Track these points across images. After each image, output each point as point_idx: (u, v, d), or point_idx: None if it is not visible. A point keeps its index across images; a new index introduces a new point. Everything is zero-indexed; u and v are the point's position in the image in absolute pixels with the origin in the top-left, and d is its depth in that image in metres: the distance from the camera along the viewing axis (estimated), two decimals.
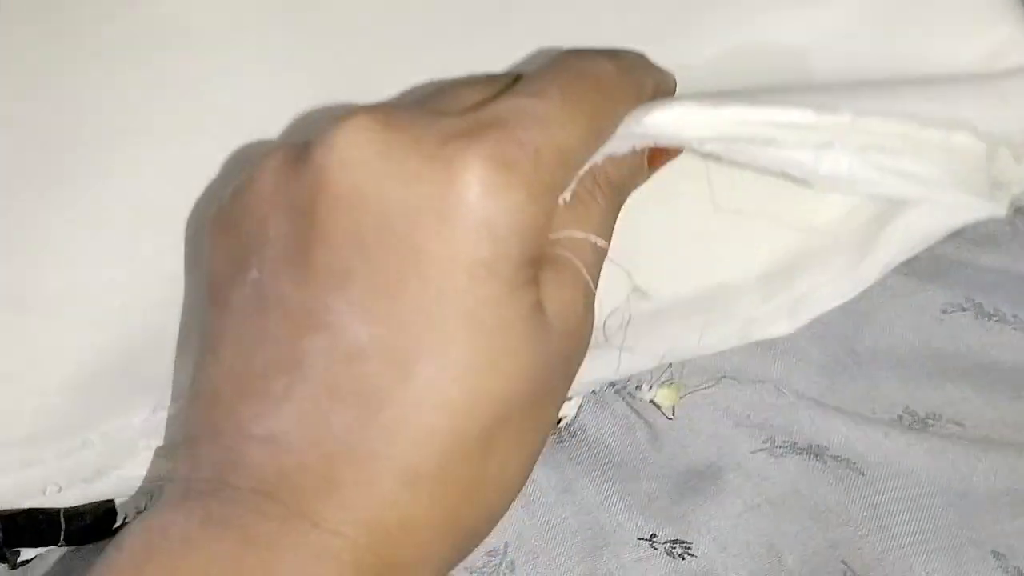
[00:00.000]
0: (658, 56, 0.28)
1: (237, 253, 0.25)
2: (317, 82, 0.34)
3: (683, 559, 0.32)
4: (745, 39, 0.32)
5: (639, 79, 0.26)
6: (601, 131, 0.25)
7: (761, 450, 0.33)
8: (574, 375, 0.26)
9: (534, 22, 0.33)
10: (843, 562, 0.31)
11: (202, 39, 0.34)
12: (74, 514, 0.32)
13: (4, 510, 0.32)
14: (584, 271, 0.25)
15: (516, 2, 0.33)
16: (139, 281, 0.32)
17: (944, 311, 0.34)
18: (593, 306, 0.26)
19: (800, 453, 0.32)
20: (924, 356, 0.33)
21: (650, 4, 0.33)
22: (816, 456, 0.32)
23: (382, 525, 0.23)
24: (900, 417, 0.33)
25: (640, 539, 0.32)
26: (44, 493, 0.31)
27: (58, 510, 0.32)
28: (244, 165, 0.27)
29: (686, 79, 0.29)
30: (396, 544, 0.23)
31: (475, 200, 0.22)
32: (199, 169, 0.33)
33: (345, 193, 0.23)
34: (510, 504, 0.25)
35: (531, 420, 0.24)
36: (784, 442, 0.33)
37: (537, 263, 0.24)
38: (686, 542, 0.32)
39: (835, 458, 0.32)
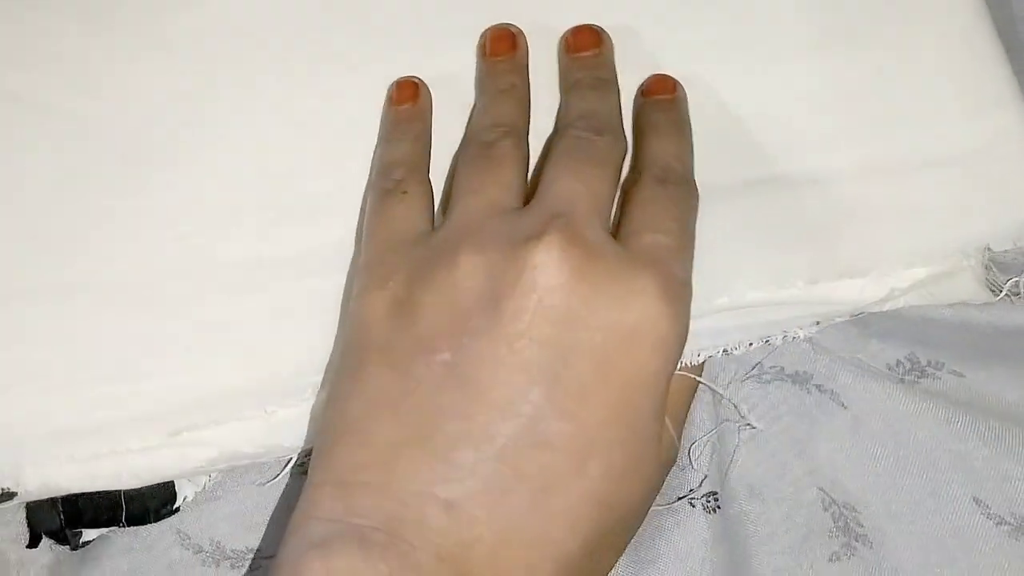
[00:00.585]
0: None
1: (423, 333, 0.27)
2: (371, 81, 0.35)
3: (714, 512, 0.34)
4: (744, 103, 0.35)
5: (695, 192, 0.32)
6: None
7: (750, 377, 0.35)
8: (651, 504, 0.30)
9: None
10: (820, 488, 0.33)
11: (259, 38, 0.35)
12: (134, 495, 0.34)
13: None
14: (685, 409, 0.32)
15: None
16: (199, 272, 0.34)
17: None
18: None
19: (785, 380, 0.34)
20: (935, 317, 0.35)
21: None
22: (800, 384, 0.34)
23: None
24: (899, 363, 0.34)
25: (680, 497, 0.34)
26: (119, 480, 0.33)
27: (119, 491, 0.34)
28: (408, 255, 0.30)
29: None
30: None
31: (657, 324, 0.27)
32: (259, 164, 0.34)
33: (554, 309, 0.26)
34: None
35: (633, 529, 0.29)
36: (772, 367, 0.34)
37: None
38: (715, 493, 0.34)
39: (818, 387, 0.34)
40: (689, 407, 0.32)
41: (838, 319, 0.34)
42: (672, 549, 0.33)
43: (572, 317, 0.26)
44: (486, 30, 0.35)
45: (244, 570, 0.34)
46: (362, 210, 0.34)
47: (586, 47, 0.34)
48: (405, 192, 0.32)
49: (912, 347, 0.34)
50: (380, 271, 0.30)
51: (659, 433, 0.28)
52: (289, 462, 0.34)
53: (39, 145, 0.35)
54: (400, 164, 0.33)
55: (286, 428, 0.33)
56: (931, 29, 0.35)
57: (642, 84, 0.34)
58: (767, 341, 0.34)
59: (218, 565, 0.34)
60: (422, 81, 0.35)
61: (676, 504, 0.33)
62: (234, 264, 0.34)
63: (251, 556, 0.34)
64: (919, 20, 0.35)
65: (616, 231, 0.30)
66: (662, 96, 0.34)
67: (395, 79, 0.35)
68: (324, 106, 0.35)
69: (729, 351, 0.34)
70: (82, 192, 0.34)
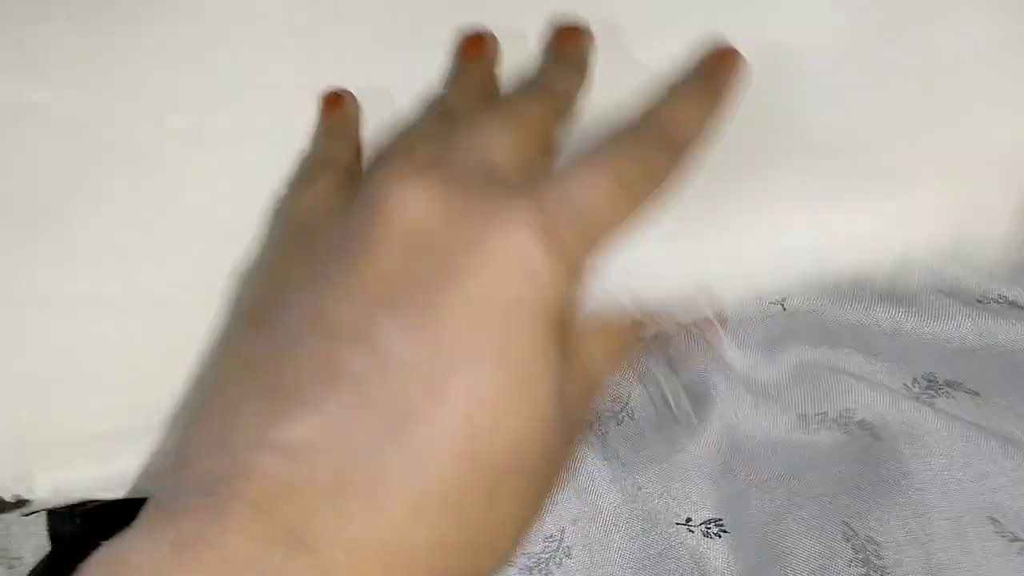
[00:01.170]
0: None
1: (278, 289, 0.26)
2: (361, 91, 0.35)
3: (719, 536, 0.33)
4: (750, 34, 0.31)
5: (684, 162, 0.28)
6: (641, 211, 0.27)
7: (797, 428, 0.34)
8: (569, 455, 0.26)
9: None
10: (844, 522, 0.32)
11: (246, 43, 0.36)
12: None
13: (86, 502, 0.34)
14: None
15: None
16: (202, 283, 0.34)
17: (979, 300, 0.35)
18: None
19: (830, 427, 0.33)
20: (954, 337, 0.34)
21: None
22: (843, 427, 0.33)
23: (378, 547, 0.22)
24: (915, 381, 0.33)
25: (678, 524, 0.34)
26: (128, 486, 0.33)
27: (141, 502, 0.34)
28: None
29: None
30: (387, 570, 0.22)
31: (524, 247, 0.24)
32: (245, 171, 0.35)
33: (404, 226, 0.24)
34: (500, 562, 0.25)
35: (535, 477, 0.25)
36: (817, 415, 0.34)
37: (566, 328, 0.25)
38: (719, 520, 0.33)
39: (860, 423, 0.33)
40: (631, 350, 0.28)
41: (844, 266, 0.28)
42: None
43: (424, 236, 0.24)
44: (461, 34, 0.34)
45: None
46: None
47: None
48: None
49: (932, 367, 0.33)
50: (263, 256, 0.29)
51: (551, 366, 0.24)
52: None
53: (37, 150, 0.35)
54: (320, 159, 0.33)
55: None
56: None
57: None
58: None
59: None
60: (349, 92, 0.35)
61: (671, 530, 0.33)
62: (217, 275, 0.34)
63: None
64: None
65: None
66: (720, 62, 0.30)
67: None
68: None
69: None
70: (82, 199, 0.35)
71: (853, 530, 0.32)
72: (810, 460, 0.33)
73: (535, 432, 0.24)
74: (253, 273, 0.29)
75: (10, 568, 0.35)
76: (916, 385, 0.33)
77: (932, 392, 0.33)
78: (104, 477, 0.33)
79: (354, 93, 0.35)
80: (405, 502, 0.22)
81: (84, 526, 0.34)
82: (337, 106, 0.35)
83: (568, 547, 0.34)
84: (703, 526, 0.33)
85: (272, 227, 0.31)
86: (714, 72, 0.30)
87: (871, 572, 0.31)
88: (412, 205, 0.25)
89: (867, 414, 0.33)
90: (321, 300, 0.24)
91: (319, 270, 0.25)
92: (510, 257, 0.24)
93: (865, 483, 0.32)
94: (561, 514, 0.34)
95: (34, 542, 0.36)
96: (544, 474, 0.25)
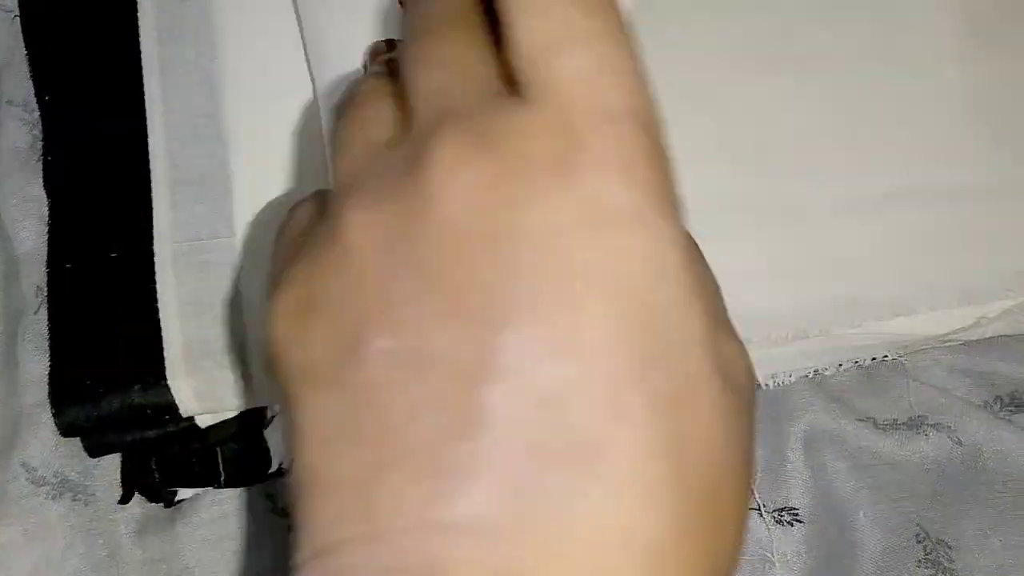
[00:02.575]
0: None
1: (339, 332, 0.20)
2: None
3: (791, 525, 0.34)
4: None
5: None
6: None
7: (864, 420, 0.35)
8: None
9: None
10: (917, 524, 0.33)
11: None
12: (231, 456, 0.35)
13: (167, 447, 0.34)
14: None
15: None
16: None
17: None
18: None
19: (899, 428, 0.34)
20: None
21: None
22: (916, 428, 0.34)
23: None
24: (998, 399, 0.35)
25: (751, 509, 0.34)
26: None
27: (216, 451, 0.34)
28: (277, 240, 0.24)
29: None
30: None
31: (623, 199, 0.19)
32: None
33: (469, 229, 0.19)
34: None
35: (744, 476, 0.20)
36: (886, 421, 0.35)
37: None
38: (794, 509, 0.34)
39: (935, 426, 0.34)
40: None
41: (926, 346, 0.34)
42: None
43: (503, 231, 0.19)
44: None
45: None
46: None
47: None
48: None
49: (1014, 385, 0.35)
50: (275, 271, 0.23)
51: (702, 333, 0.19)
52: None
53: None
54: None
55: None
56: None
57: None
58: (856, 363, 0.34)
59: None
60: None
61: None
62: None
63: None
64: None
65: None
66: None
67: None
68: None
69: (820, 372, 0.34)
70: None
71: (925, 531, 0.33)
72: (886, 458, 0.34)
73: (727, 435, 0.19)
74: (284, 331, 0.22)
75: (86, 506, 0.36)
76: (998, 402, 0.34)
77: (1012, 408, 0.34)
78: (242, 392, 0.33)
79: None
80: (632, 559, 0.18)
81: (161, 474, 0.35)
82: None
83: None
84: (775, 513, 0.34)
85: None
86: None
87: (940, 574, 0.32)
88: (464, 185, 0.19)
89: (944, 419, 0.34)
90: (414, 335, 0.19)
91: (399, 307, 0.19)
92: (621, 221, 0.19)
93: (942, 487, 0.33)
94: None
95: (111, 477, 0.36)
96: (745, 467, 0.20)
